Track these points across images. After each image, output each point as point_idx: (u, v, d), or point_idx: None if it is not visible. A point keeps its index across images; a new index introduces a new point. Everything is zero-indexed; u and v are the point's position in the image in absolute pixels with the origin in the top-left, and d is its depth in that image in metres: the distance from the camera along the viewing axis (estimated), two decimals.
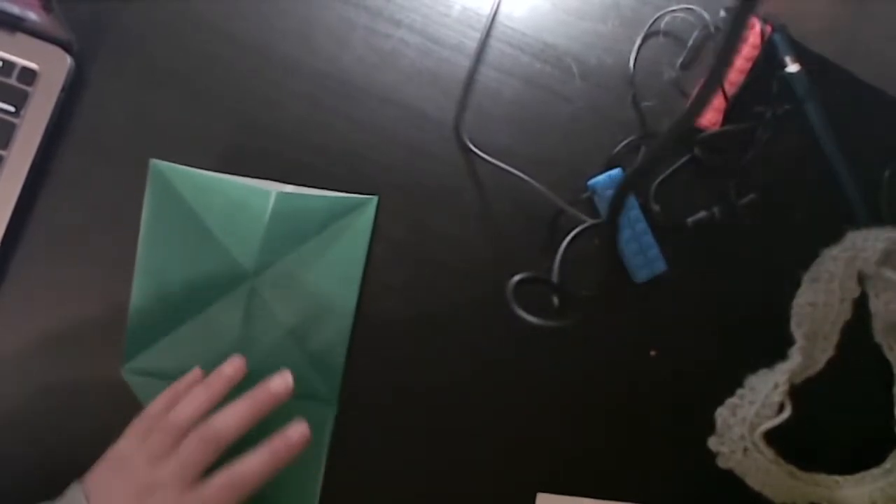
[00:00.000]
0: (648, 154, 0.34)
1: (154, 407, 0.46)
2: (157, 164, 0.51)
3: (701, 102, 0.30)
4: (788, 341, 0.52)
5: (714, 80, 0.29)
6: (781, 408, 0.50)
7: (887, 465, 0.51)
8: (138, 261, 0.51)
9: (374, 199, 0.52)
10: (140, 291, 0.50)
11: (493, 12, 0.55)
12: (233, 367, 0.47)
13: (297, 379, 0.47)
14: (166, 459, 0.43)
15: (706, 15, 0.55)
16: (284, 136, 0.53)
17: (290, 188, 0.52)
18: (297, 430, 0.45)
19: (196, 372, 0.48)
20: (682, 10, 0.55)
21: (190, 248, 0.51)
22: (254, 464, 0.43)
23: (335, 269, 0.52)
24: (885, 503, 0.50)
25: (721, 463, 0.51)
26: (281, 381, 0.46)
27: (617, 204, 0.38)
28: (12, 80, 0.50)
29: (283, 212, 0.51)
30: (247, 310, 0.51)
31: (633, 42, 0.55)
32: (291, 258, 0.51)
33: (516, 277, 0.51)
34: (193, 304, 0.51)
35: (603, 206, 0.53)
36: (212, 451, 0.43)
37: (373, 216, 0.52)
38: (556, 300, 0.52)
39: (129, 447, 0.44)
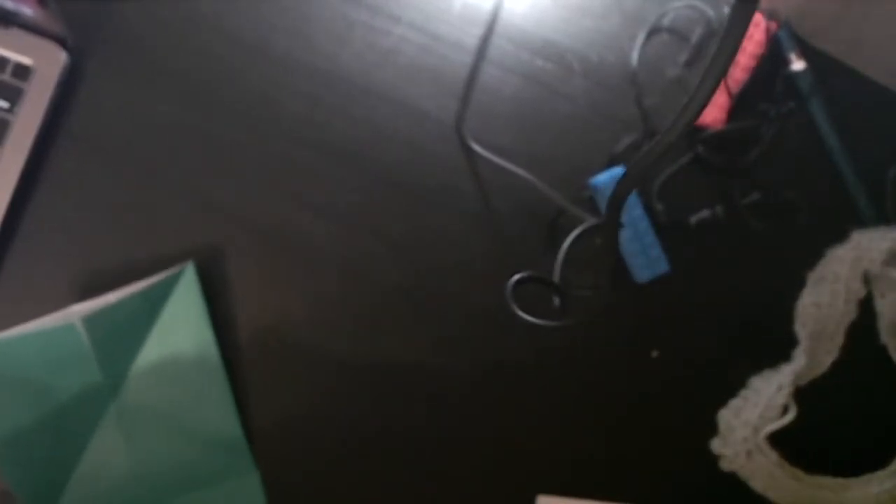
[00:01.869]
0: (647, 151, 0.33)
1: None
2: None
3: (698, 99, 0.29)
4: (792, 342, 0.52)
5: (711, 76, 0.28)
6: (786, 409, 0.50)
7: (893, 467, 0.51)
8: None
9: (188, 267, 0.50)
10: (10, 470, 0.47)
11: (494, 9, 0.54)
12: None
13: (204, 466, 0.48)
14: None
15: (710, 11, 0.54)
16: (283, 134, 0.53)
17: (90, 306, 0.48)
18: None
19: None
20: (685, 6, 0.54)
21: (32, 407, 0.48)
22: None
23: (186, 348, 0.50)
24: None
25: (724, 465, 0.51)
26: None
27: (617, 200, 0.37)
28: (6, 76, 0.49)
29: (101, 329, 0.47)
30: (125, 430, 0.49)
31: (636, 39, 0.54)
32: (139, 362, 0.49)
33: (515, 277, 0.51)
34: (68, 455, 0.49)
35: (605, 205, 0.53)
36: None
37: (194, 281, 0.50)
38: (556, 300, 0.52)
39: None
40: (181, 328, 0.50)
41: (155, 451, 0.49)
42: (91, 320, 0.47)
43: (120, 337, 0.49)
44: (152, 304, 0.49)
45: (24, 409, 0.48)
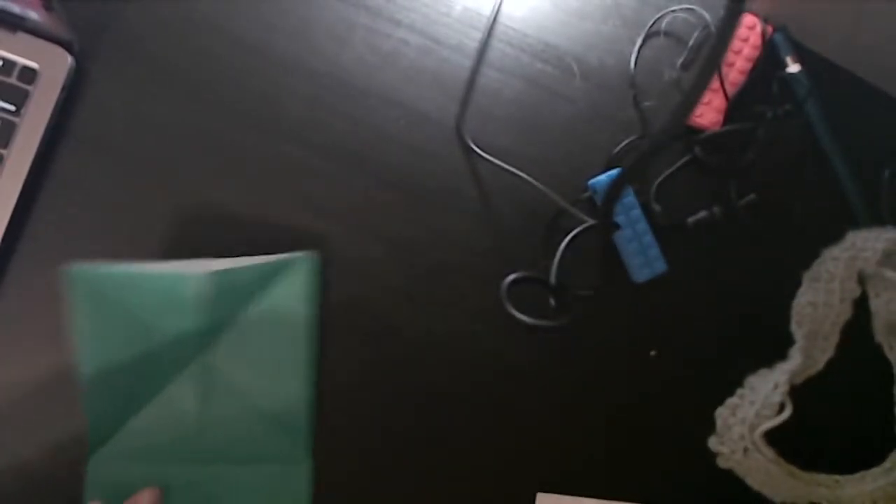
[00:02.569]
0: (642, 151, 0.34)
1: None
2: (75, 270, 0.48)
3: (692, 98, 0.30)
4: (789, 341, 0.52)
5: (705, 75, 0.29)
6: (782, 408, 0.50)
7: (887, 464, 0.51)
8: (80, 366, 0.48)
9: (308, 256, 0.50)
10: (89, 393, 0.48)
11: (494, 12, 0.55)
12: (151, 495, 0.48)
13: (261, 444, 0.49)
14: None
15: (707, 15, 0.55)
16: (284, 135, 0.53)
17: (218, 265, 0.49)
18: (147, 495, 0.47)
19: None
20: (682, 10, 0.55)
21: (129, 342, 0.49)
22: None
23: (282, 331, 0.50)
24: (885, 503, 0.50)
25: (721, 463, 0.51)
26: (149, 494, 0.47)
27: (611, 195, 0.38)
28: (13, 80, 0.49)
29: (216, 289, 0.48)
30: (203, 385, 0.50)
31: (634, 42, 0.55)
32: (237, 327, 0.50)
33: (510, 277, 0.51)
34: (144, 392, 0.50)
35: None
36: None
37: (309, 272, 0.50)
38: (552, 300, 0.52)
39: None
40: (281, 310, 0.50)
41: (222, 415, 0.50)
42: (215, 276, 0.48)
43: (228, 300, 0.49)
44: (264, 279, 0.50)
45: (123, 341, 0.49)
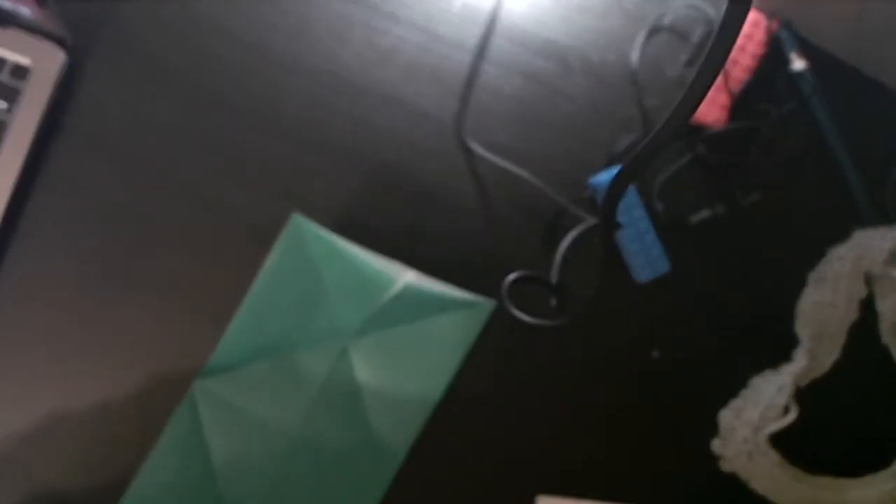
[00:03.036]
0: (642, 148, 0.33)
1: None
2: (296, 219, 0.51)
3: (694, 99, 0.29)
4: (793, 342, 0.52)
5: (710, 75, 0.28)
6: (786, 410, 0.50)
7: (895, 468, 0.50)
8: (248, 297, 0.51)
9: (490, 304, 0.51)
10: (240, 321, 0.50)
11: (494, 8, 0.54)
12: None
13: (352, 451, 0.50)
14: None
15: (711, 11, 0.54)
16: (283, 134, 0.53)
17: (416, 278, 0.51)
18: None
19: None
20: (685, 6, 0.54)
21: (301, 301, 0.51)
22: None
23: (429, 360, 0.51)
24: None
25: (725, 466, 0.51)
26: None
27: (612, 196, 0.37)
28: (4, 76, 0.49)
29: (402, 298, 0.51)
30: (333, 368, 0.50)
31: (636, 39, 0.54)
32: (392, 335, 0.51)
33: (511, 276, 0.51)
34: (286, 345, 0.51)
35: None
36: None
37: (483, 321, 0.51)
38: (553, 300, 0.52)
39: None
40: (439, 343, 0.51)
41: (334, 404, 0.50)
42: (407, 288, 0.50)
43: (405, 309, 0.50)
44: (442, 308, 0.51)
45: (297, 293, 0.51)
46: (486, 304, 0.51)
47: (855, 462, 0.51)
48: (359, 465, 0.50)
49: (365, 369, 0.51)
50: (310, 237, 0.51)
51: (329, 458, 0.50)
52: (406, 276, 0.51)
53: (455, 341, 0.51)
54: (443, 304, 0.50)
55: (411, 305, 0.51)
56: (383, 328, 0.51)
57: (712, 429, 0.52)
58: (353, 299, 0.51)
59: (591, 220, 0.52)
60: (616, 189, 0.36)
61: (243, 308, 0.51)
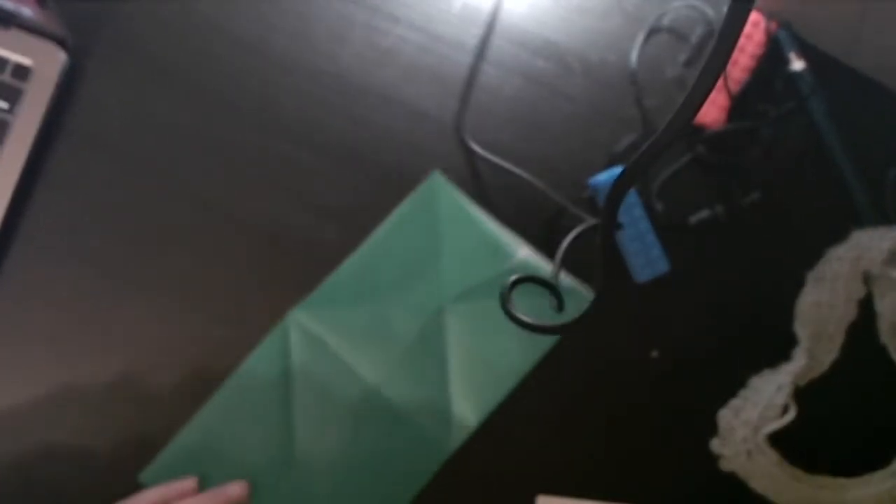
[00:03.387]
0: (644, 149, 0.33)
1: None
2: (435, 175, 0.52)
3: (696, 96, 0.29)
4: (792, 342, 0.52)
5: (711, 77, 0.28)
6: (785, 409, 0.50)
7: (893, 467, 0.50)
8: (366, 242, 0.52)
9: (590, 295, 0.52)
10: (352, 263, 0.51)
11: (494, 9, 0.54)
12: (240, 488, 0.48)
13: (424, 411, 0.50)
14: None
15: (710, 11, 0.54)
16: (283, 134, 0.53)
17: (531, 255, 0.52)
18: (236, 486, 0.48)
19: (192, 481, 0.49)
20: (684, 6, 0.54)
21: (416, 253, 0.52)
22: None
23: (520, 338, 0.51)
24: None
25: (724, 465, 0.51)
26: (238, 488, 0.48)
27: (613, 198, 0.37)
28: (5, 77, 0.49)
29: (513, 272, 0.50)
30: (426, 327, 0.51)
31: (636, 39, 0.54)
32: (489, 307, 0.51)
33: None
34: (387, 297, 0.51)
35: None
36: None
37: (580, 311, 0.51)
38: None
39: None
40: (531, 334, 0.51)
41: (421, 363, 0.51)
42: (522, 262, 0.52)
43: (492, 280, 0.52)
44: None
45: (415, 242, 0.52)
46: (583, 294, 0.52)
47: (853, 461, 0.51)
48: (428, 430, 0.50)
49: (456, 335, 0.51)
50: (443, 195, 0.52)
51: (400, 421, 0.50)
52: (522, 252, 0.52)
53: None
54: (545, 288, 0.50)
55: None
56: (482, 300, 0.51)
57: (712, 428, 0.52)
58: (465, 264, 0.52)
59: (590, 220, 0.52)
60: (618, 191, 0.36)
61: (358, 251, 0.51)
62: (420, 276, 0.51)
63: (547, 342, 0.52)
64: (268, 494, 0.49)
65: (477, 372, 0.51)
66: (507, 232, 0.52)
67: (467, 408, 0.51)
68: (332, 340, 0.51)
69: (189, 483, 0.48)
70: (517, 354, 0.51)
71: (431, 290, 0.51)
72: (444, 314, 0.51)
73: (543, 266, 0.52)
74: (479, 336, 0.51)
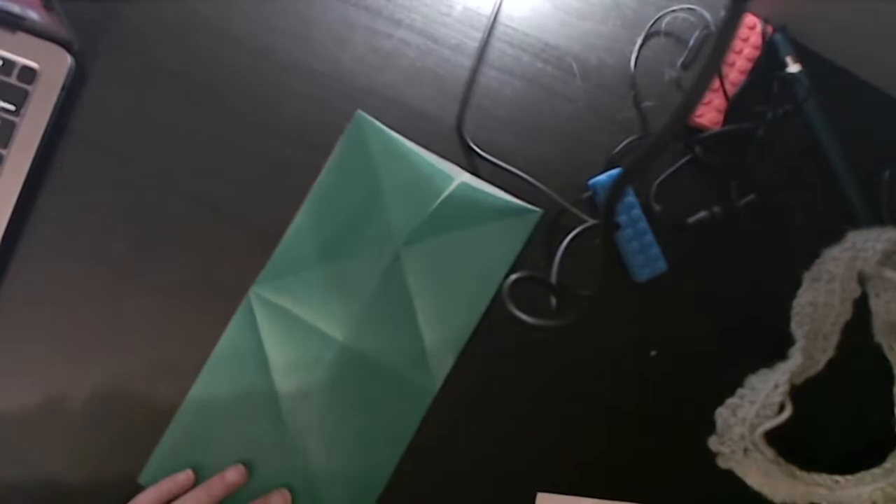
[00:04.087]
0: (644, 149, 0.34)
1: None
2: (360, 116, 0.52)
3: (693, 99, 0.30)
4: (789, 341, 0.52)
5: (707, 76, 0.29)
6: (782, 408, 0.50)
7: (888, 464, 0.51)
8: (309, 198, 0.52)
9: (539, 212, 0.52)
10: (297, 227, 0.51)
11: (494, 12, 0.55)
12: (237, 473, 0.49)
13: (402, 355, 0.50)
14: None
15: (707, 15, 0.55)
16: (284, 136, 0.53)
17: (472, 179, 0.52)
18: (233, 472, 0.49)
19: (187, 474, 0.49)
20: (683, 10, 0.55)
21: (357, 201, 0.52)
22: (189, 501, 0.47)
23: (479, 266, 0.52)
24: (885, 503, 0.50)
25: (721, 463, 0.51)
26: (235, 473, 0.49)
27: (612, 197, 0.38)
28: (12, 79, 0.49)
29: (457, 199, 0.51)
30: (384, 274, 0.51)
31: (634, 42, 0.55)
32: (443, 241, 0.51)
33: (512, 277, 0.51)
34: (339, 252, 0.51)
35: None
36: None
37: (529, 229, 0.52)
38: (553, 300, 0.52)
39: None
40: (490, 248, 0.52)
41: (386, 311, 0.51)
42: (463, 187, 0.51)
43: (458, 212, 0.51)
44: (495, 214, 0.51)
45: (355, 188, 0.52)
46: (534, 212, 0.52)
47: (849, 459, 0.51)
48: (407, 374, 0.51)
49: (416, 277, 0.51)
50: (371, 134, 0.52)
51: (379, 370, 0.51)
52: (462, 177, 0.51)
53: (504, 249, 0.52)
54: (494, 210, 0.50)
55: (463, 210, 0.51)
56: (435, 234, 0.51)
57: (709, 426, 0.52)
58: (408, 201, 0.51)
59: (590, 221, 0.52)
60: (617, 190, 0.37)
61: (301, 213, 0.51)
62: (366, 224, 0.51)
63: (504, 266, 0.52)
64: (265, 468, 0.50)
65: (443, 307, 0.51)
66: (442, 160, 0.52)
67: (441, 345, 0.51)
68: (294, 307, 0.51)
69: (184, 476, 0.49)
70: (478, 282, 0.52)
71: (381, 234, 0.51)
72: (399, 259, 0.51)
73: (484, 189, 0.51)
74: (437, 272, 0.51)
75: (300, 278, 0.51)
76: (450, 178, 0.51)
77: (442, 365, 0.51)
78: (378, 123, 0.52)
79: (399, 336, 0.51)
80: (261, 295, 0.51)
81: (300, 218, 0.52)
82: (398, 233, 0.51)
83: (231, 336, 0.51)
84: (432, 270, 0.51)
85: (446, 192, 0.51)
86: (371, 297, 0.51)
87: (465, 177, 0.52)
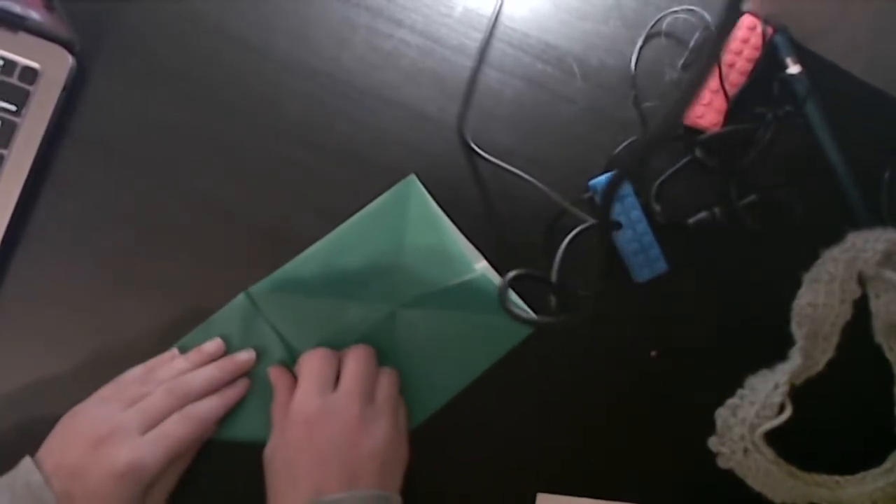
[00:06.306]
0: (639, 148, 0.34)
1: (131, 373, 0.48)
2: (411, 179, 0.53)
3: (689, 93, 0.30)
4: (789, 342, 0.52)
5: (704, 70, 0.29)
6: (782, 408, 0.50)
7: (888, 465, 0.51)
8: (335, 233, 0.52)
9: (527, 330, 0.52)
10: (312, 253, 0.52)
11: (495, 13, 0.55)
12: (247, 354, 0.50)
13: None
14: (132, 408, 0.46)
15: (707, 16, 0.55)
16: (284, 136, 0.53)
17: (490, 272, 0.52)
18: (243, 353, 0.50)
19: (217, 343, 0.50)
20: (683, 10, 0.55)
21: (378, 252, 0.52)
22: (206, 402, 0.48)
23: (464, 352, 0.52)
24: (885, 503, 0.50)
25: (721, 463, 0.51)
26: (246, 355, 0.50)
27: (608, 195, 0.37)
28: (14, 79, 0.50)
29: (469, 286, 0.51)
30: (376, 325, 0.51)
31: (635, 43, 0.55)
32: (440, 317, 0.52)
33: (510, 274, 0.51)
34: (343, 290, 0.52)
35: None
36: (176, 403, 0.47)
37: (518, 341, 0.52)
38: (553, 299, 0.52)
39: (99, 402, 0.47)
40: (483, 341, 0.52)
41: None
42: (480, 279, 0.52)
43: (467, 299, 0.52)
44: (497, 308, 0.51)
45: (378, 242, 0.52)
46: (524, 329, 0.52)
47: (849, 459, 0.52)
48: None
49: (403, 339, 0.51)
50: (415, 200, 0.52)
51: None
52: (481, 267, 0.52)
53: (493, 345, 0.52)
54: (497, 307, 0.50)
55: (470, 296, 0.51)
56: (435, 308, 0.52)
57: (709, 427, 0.52)
58: (422, 269, 0.52)
59: (590, 221, 0.52)
60: (613, 185, 0.37)
61: (324, 241, 0.52)
62: (378, 275, 0.52)
63: (487, 361, 0.52)
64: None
65: (416, 376, 0.51)
66: (469, 244, 0.53)
67: (419, 403, 0.51)
68: (280, 326, 0.51)
69: (215, 345, 0.50)
70: (457, 366, 0.52)
71: (386, 289, 0.52)
72: (394, 317, 0.51)
73: (495, 280, 0.52)
74: (424, 343, 0.52)
75: (296, 299, 0.51)
76: (470, 265, 0.52)
77: (419, 409, 0.51)
78: (425, 191, 0.53)
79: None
80: (252, 295, 0.51)
81: (318, 245, 0.52)
82: (402, 293, 0.52)
83: (207, 327, 0.51)
84: (420, 339, 0.52)
85: (463, 277, 0.51)
86: (355, 341, 0.50)
87: (485, 266, 0.52)
